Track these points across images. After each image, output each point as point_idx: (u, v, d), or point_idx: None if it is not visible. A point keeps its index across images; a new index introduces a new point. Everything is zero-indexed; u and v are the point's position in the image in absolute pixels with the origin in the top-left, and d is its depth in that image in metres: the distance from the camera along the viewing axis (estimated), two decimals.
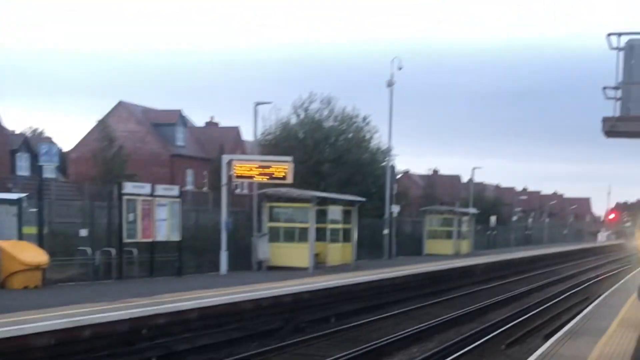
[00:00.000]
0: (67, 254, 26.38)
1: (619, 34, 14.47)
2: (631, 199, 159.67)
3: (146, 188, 28.37)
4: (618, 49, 14.52)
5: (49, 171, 26.80)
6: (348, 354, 17.90)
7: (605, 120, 14.71)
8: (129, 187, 27.73)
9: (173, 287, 24.28)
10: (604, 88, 14.74)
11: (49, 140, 58.42)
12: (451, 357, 18.24)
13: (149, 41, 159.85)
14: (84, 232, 26.79)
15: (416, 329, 22.87)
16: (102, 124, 49.96)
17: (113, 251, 26.59)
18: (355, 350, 18.54)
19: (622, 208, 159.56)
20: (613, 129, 14.64)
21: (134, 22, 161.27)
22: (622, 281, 34.20)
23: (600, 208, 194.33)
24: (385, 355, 19.25)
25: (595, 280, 45.77)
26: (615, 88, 14.59)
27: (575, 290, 38.35)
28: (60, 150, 68.67)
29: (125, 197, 26.86)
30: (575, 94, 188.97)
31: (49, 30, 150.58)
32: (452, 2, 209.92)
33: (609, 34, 14.43)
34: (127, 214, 26.85)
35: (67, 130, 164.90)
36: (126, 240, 26.81)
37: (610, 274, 50.49)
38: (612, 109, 14.78)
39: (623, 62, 14.54)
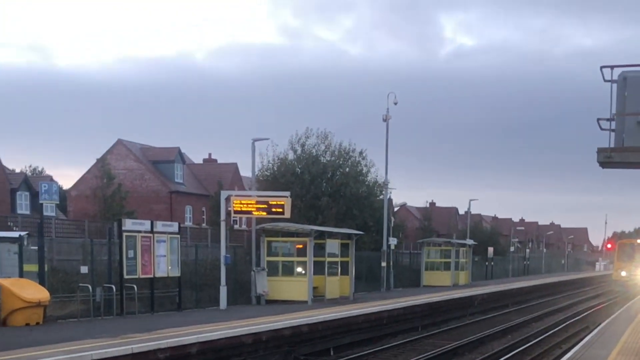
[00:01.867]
0: (68, 290, 26.51)
1: (612, 67, 14.73)
2: (628, 228, 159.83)
3: (146, 225, 28.51)
4: (611, 81, 14.78)
5: (49, 209, 27.05)
6: None
7: (600, 151, 14.93)
8: (128, 224, 27.86)
9: (173, 322, 24.36)
10: (598, 119, 14.98)
11: (49, 179, 58.69)
12: None
13: (146, 78, 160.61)
14: (84, 269, 26.89)
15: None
16: (101, 162, 50.28)
17: (114, 287, 26.68)
18: None
19: (619, 237, 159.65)
20: (608, 159, 14.85)
21: (128, 58, 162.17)
22: (621, 309, 34.30)
23: (597, 238, 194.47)
24: None
25: (595, 309, 45.85)
26: (610, 119, 14.84)
27: (575, 319, 38.43)
28: (60, 188, 68.79)
29: (125, 234, 27.00)
30: (571, 125, 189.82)
31: (49, 70, 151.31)
32: (448, 36, 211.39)
33: (602, 67, 14.70)
34: (127, 251, 26.98)
35: (67, 169, 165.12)
36: (126, 276, 26.91)
37: (609, 302, 50.57)
38: (607, 140, 15.02)
39: (616, 94, 14.80)
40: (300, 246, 34.83)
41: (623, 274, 56.15)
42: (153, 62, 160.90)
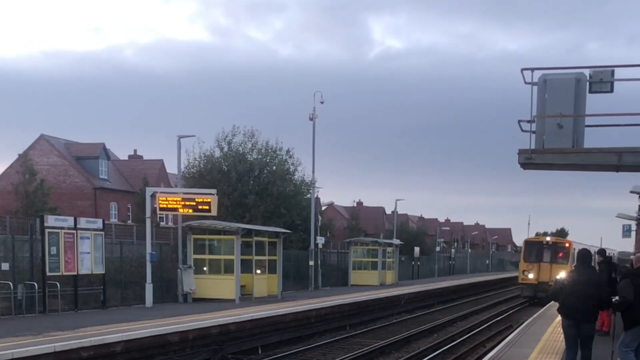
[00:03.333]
0: None
1: (533, 69, 15.05)
2: (550, 228, 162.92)
3: (69, 221, 28.03)
4: (532, 83, 15.10)
5: None
6: None
7: (521, 152, 15.25)
8: (51, 220, 27.37)
9: (98, 320, 24.07)
10: (520, 121, 15.29)
11: None
12: None
13: (73, 73, 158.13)
14: (5, 266, 26.29)
15: (343, 359, 23.11)
16: (23, 157, 49.23)
17: (36, 285, 26.20)
18: None
19: None
20: (528, 160, 15.18)
21: (56, 52, 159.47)
22: (543, 309, 35.00)
23: (521, 238, 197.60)
24: None
25: (518, 308, 46.68)
26: (530, 121, 15.16)
27: (499, 318, 39.10)
28: None
29: (47, 230, 26.51)
30: (496, 127, 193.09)
31: None
32: (377, 39, 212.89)
33: (523, 69, 15.01)
34: (49, 247, 26.52)
35: None
36: (49, 273, 26.44)
37: (532, 301, 51.48)
38: (528, 142, 15.34)
39: (537, 96, 15.12)
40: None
41: (530, 276, 49.10)
42: (81, 57, 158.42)
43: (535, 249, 49.88)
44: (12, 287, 25.40)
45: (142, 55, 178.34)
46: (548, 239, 53.42)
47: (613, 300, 13.55)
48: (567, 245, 50.66)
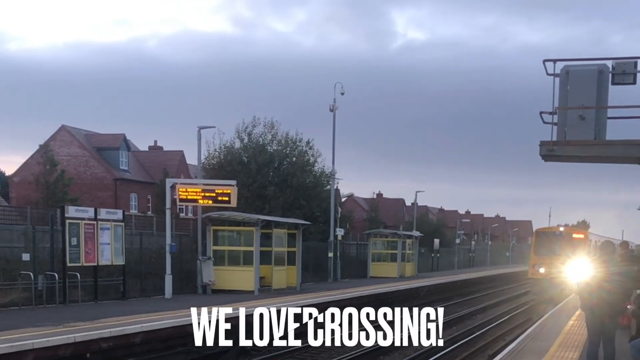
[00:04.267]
0: (9, 278, 26.03)
1: (555, 60, 14.90)
2: (572, 221, 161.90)
3: (89, 212, 28.17)
4: (554, 74, 14.95)
5: None
6: None
7: (543, 144, 15.11)
8: (71, 211, 27.50)
9: (117, 311, 24.13)
10: (541, 113, 15.15)
11: None
12: None
13: (95, 64, 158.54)
14: (26, 257, 26.44)
15: (361, 351, 23.05)
16: (44, 148, 49.45)
17: (56, 275, 26.31)
18: None
19: None
20: (550, 152, 15.04)
21: (79, 43, 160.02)
22: (563, 302, 34.79)
23: None
24: None
25: (538, 301, 46.34)
26: (552, 113, 15.02)
27: (519, 311, 38.86)
28: (3, 174, 67.74)
29: (68, 221, 26.64)
30: (518, 119, 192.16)
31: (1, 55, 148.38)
32: (400, 31, 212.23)
33: (545, 60, 14.86)
34: (70, 238, 26.62)
35: (11, 155, 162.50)
36: (69, 264, 26.57)
37: (543, 298, 51.09)
38: (550, 134, 15.22)
39: (559, 88, 14.97)
40: None
41: (542, 270, 43.62)
42: (103, 48, 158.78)
43: (548, 240, 44.56)
44: (32, 277, 25.53)
45: (165, 46, 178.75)
46: (562, 229, 47.66)
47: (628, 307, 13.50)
48: (582, 236, 45.21)
